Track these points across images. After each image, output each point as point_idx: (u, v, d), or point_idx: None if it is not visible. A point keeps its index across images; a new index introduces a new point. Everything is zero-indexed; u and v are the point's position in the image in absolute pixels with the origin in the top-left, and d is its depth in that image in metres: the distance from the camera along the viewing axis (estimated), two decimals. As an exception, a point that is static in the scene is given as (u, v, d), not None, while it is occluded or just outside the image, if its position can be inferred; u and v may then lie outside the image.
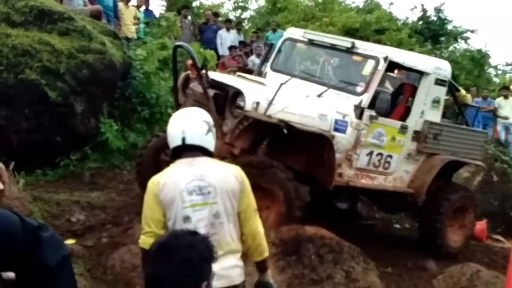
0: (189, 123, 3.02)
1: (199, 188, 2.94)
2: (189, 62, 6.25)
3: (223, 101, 6.11)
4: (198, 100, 6.22)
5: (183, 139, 2.98)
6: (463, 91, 11.57)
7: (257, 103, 5.92)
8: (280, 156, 6.23)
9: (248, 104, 5.90)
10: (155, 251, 1.87)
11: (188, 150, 3.00)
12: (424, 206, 7.51)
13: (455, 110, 8.60)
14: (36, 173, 7.22)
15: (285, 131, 5.88)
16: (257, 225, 3.09)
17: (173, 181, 2.95)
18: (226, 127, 6.02)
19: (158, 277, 1.82)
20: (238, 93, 6.04)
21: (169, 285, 1.80)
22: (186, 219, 2.92)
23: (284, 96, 6.08)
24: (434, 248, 7.46)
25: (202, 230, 2.86)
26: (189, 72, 6.52)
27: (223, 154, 6.00)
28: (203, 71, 6.10)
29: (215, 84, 6.23)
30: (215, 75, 6.67)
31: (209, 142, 3.05)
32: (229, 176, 3.01)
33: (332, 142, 6.19)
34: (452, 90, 7.75)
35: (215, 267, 2.87)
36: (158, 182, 2.96)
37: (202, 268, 1.85)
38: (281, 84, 6.14)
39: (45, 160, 7.37)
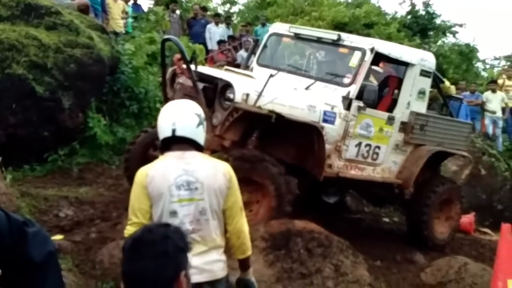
0: (180, 115, 2.97)
1: (187, 183, 2.91)
2: (176, 57, 6.24)
3: (212, 94, 6.10)
4: (188, 93, 6.21)
5: (173, 131, 2.93)
6: (447, 83, 11.65)
7: (247, 95, 5.93)
8: (270, 148, 6.25)
9: (238, 96, 5.90)
10: (130, 247, 1.85)
11: (177, 142, 2.96)
12: (411, 198, 7.57)
13: (439, 102, 8.69)
14: (23, 168, 7.18)
15: (273, 120, 5.89)
16: (242, 223, 3.06)
17: (162, 174, 2.91)
18: (216, 120, 6.02)
19: (136, 272, 1.80)
20: (228, 86, 6.04)
21: (147, 279, 1.79)
22: (173, 213, 2.90)
23: (273, 88, 6.09)
24: (421, 240, 7.54)
25: (188, 226, 2.87)
26: (176, 66, 6.51)
27: (213, 147, 6.01)
28: (192, 64, 6.09)
29: (204, 77, 6.23)
30: (204, 69, 6.67)
31: (200, 135, 3.01)
32: (218, 173, 2.97)
33: (322, 133, 6.23)
34: (436, 81, 7.82)
35: (198, 261, 2.86)
36: (147, 174, 2.93)
37: (179, 258, 1.84)
38: (271, 75, 6.15)
39: (32, 155, 7.33)
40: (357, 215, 8.99)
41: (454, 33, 21.72)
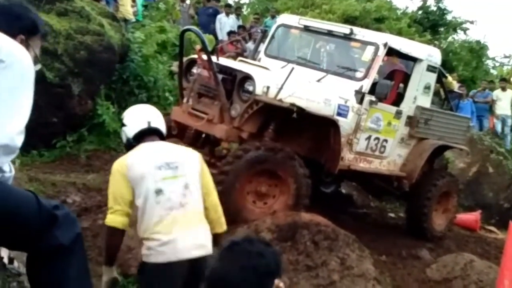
0: (151, 111, 3.42)
1: (167, 163, 3.17)
2: (198, 47, 6.22)
3: (230, 86, 6.11)
4: (205, 84, 6.23)
5: (149, 123, 3.29)
6: (449, 78, 11.65)
7: (267, 88, 5.92)
8: (284, 141, 6.25)
9: (258, 88, 5.90)
10: (227, 247, 1.83)
11: (150, 134, 3.30)
12: (411, 191, 7.61)
13: (441, 96, 8.76)
14: (32, 153, 7.19)
15: (295, 113, 5.89)
16: (217, 199, 3.39)
17: (141, 159, 3.16)
18: (235, 111, 6.03)
19: (221, 273, 1.78)
20: (247, 78, 6.03)
21: (227, 284, 1.77)
22: (159, 192, 3.09)
23: (290, 81, 6.08)
24: (420, 232, 7.67)
25: (175, 200, 3.09)
26: (192, 56, 6.49)
27: (231, 138, 6.05)
28: (214, 56, 6.09)
29: (221, 69, 6.22)
30: (221, 60, 6.65)
31: (165, 129, 3.42)
32: (192, 156, 3.34)
33: (339, 127, 6.25)
34: (440, 76, 7.86)
35: (195, 235, 3.11)
36: (125, 163, 3.14)
37: (264, 280, 1.79)
38: (292, 69, 6.14)
39: (41, 140, 7.32)
40: (363, 210, 8.99)
41: (464, 30, 21.51)
